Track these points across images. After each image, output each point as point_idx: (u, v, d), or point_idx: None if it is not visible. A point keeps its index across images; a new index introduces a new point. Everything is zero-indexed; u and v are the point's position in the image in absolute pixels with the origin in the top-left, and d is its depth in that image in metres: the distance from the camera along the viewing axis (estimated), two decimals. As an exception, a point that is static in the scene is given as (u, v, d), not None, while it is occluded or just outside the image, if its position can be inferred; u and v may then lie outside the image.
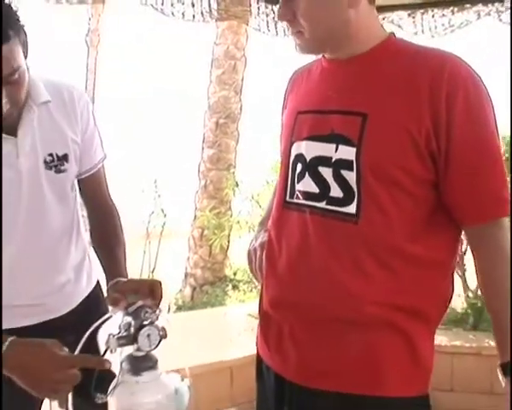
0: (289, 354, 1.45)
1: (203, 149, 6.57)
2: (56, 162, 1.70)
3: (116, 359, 1.37)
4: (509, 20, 4.11)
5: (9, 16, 1.45)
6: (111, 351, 1.34)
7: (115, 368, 1.38)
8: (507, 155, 3.50)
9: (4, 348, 1.34)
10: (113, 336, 1.34)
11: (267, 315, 1.52)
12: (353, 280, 1.35)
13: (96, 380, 1.36)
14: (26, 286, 1.73)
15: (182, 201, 6.65)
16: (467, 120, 1.30)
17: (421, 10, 4.26)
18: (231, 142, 6.57)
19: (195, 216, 6.54)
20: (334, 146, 1.37)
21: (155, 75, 9.74)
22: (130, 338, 1.34)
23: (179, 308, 5.66)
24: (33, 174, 1.66)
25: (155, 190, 6.13)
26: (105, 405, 1.33)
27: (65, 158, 1.72)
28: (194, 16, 4.13)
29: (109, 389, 1.32)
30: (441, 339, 3.42)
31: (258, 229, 1.69)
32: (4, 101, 1.49)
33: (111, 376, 1.38)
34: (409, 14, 4.30)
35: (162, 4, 3.90)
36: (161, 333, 1.36)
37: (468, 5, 4.21)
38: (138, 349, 1.33)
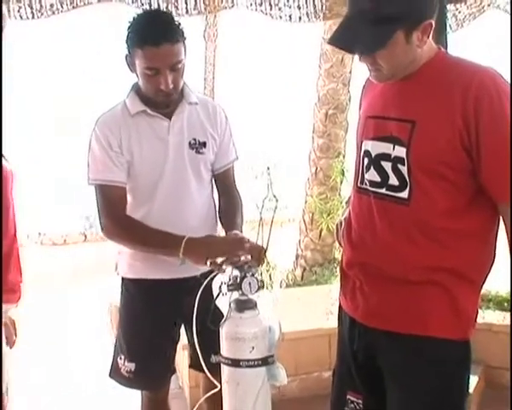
0: (358, 302, 1.85)
1: (313, 138, 6.89)
2: (197, 146, 2.26)
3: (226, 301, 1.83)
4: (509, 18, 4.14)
5: (180, 28, 2.11)
6: (223, 294, 1.81)
7: (224, 308, 1.85)
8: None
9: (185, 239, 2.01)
10: (225, 283, 1.81)
11: (345, 273, 1.93)
12: (405, 249, 1.73)
13: (211, 316, 1.84)
14: None
15: (293, 188, 7.03)
16: (490, 121, 1.62)
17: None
18: (340, 131, 6.83)
19: (306, 202, 6.92)
20: (391, 146, 1.74)
21: (268, 70, 10.17)
22: (236, 286, 1.79)
23: (289, 286, 6.10)
24: (179, 149, 2.24)
25: (268, 178, 6.56)
26: (217, 333, 1.80)
27: (204, 144, 2.27)
28: (300, 18, 4.52)
29: (221, 322, 1.79)
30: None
31: (346, 206, 2.10)
32: (170, 81, 2.08)
33: (221, 314, 1.85)
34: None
35: (270, 9, 4.31)
36: (260, 284, 1.80)
37: None
38: (242, 294, 1.79)
